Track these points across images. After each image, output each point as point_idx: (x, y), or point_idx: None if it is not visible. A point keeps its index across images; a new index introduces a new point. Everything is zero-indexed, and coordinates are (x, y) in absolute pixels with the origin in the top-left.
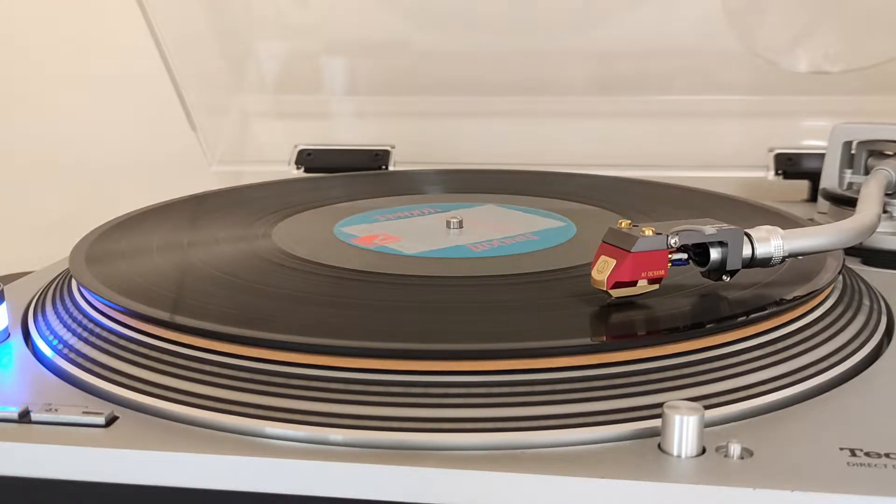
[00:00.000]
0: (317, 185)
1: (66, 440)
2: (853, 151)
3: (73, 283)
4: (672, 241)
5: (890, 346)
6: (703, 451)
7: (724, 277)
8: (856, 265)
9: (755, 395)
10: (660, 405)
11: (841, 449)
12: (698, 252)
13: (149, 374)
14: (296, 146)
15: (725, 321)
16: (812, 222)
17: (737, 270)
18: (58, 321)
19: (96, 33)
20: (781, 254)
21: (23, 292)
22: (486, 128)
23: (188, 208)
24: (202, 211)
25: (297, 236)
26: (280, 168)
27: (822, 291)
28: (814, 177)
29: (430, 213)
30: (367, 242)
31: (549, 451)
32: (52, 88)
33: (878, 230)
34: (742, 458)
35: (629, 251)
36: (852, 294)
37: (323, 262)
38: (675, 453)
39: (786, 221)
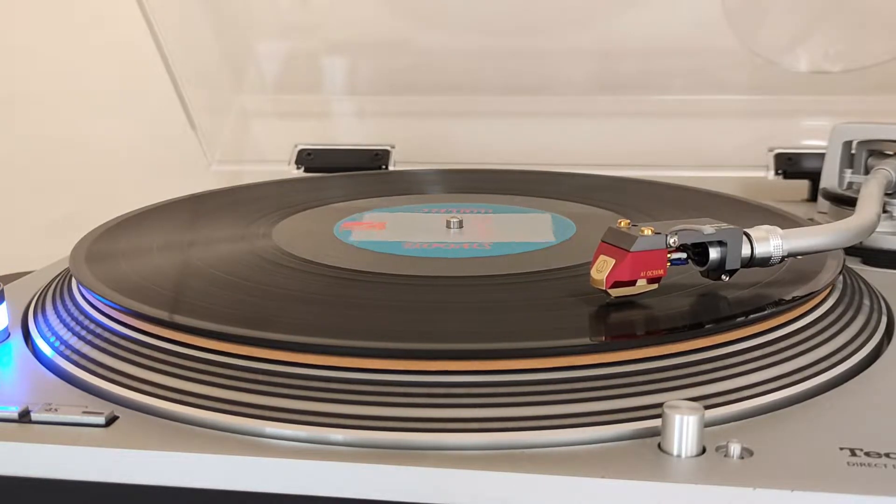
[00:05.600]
0: (317, 185)
1: (66, 440)
2: (853, 151)
3: (74, 282)
4: (671, 241)
5: (890, 346)
6: (703, 450)
7: (724, 277)
8: (856, 265)
9: (755, 395)
10: (660, 405)
11: (841, 449)
12: (697, 251)
13: (149, 374)
14: (296, 146)
15: (725, 321)
16: (812, 222)
17: (736, 270)
18: (58, 321)
19: (96, 33)
20: (781, 253)
21: (23, 292)
22: (487, 128)
23: (188, 208)
24: (202, 211)
25: (297, 236)
26: (280, 168)
27: (822, 291)
28: (814, 177)
29: (429, 212)
30: (345, 227)
31: (549, 451)
32: (52, 88)
33: (878, 230)
34: (742, 458)
35: (628, 250)
36: (852, 294)
37: (323, 262)
38: (675, 453)
39: (785, 221)
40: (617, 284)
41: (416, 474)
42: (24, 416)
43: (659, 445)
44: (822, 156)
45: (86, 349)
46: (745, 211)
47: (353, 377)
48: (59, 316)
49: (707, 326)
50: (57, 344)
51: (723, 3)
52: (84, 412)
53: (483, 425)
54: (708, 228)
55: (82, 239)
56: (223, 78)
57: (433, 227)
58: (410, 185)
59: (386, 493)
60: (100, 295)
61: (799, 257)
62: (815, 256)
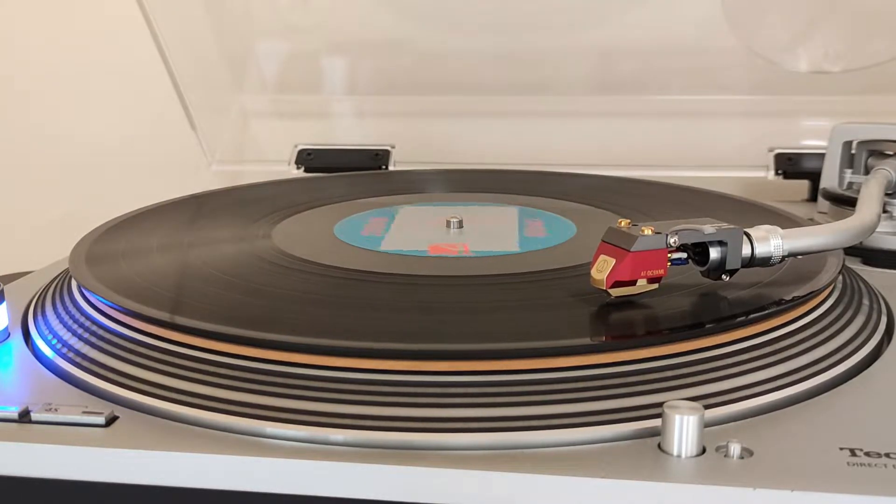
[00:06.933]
0: (317, 185)
1: (66, 440)
2: (853, 151)
3: (73, 283)
4: (671, 241)
5: (890, 346)
6: (703, 450)
7: (724, 277)
8: (856, 265)
9: (755, 395)
10: (660, 405)
11: (841, 449)
12: (698, 251)
13: (149, 374)
14: (296, 146)
15: (725, 321)
16: (812, 222)
17: (736, 270)
18: (58, 321)
19: (96, 33)
20: (781, 253)
21: (23, 292)
22: (487, 128)
23: (188, 208)
24: (202, 211)
25: (297, 236)
26: (280, 168)
27: (822, 291)
28: (814, 177)
29: (429, 212)
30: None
31: (549, 451)
32: (52, 88)
33: (878, 230)
34: (742, 458)
35: (628, 250)
36: (852, 294)
37: (323, 262)
38: (675, 453)
39: (786, 221)
40: (617, 284)
41: (416, 474)
42: (24, 416)
43: (659, 445)
44: (822, 156)
45: (85, 349)
46: (746, 211)
47: (353, 377)
48: (58, 316)
49: (707, 326)
50: (57, 344)
51: (723, 3)
52: (84, 412)
53: (483, 425)
54: (708, 228)
55: (82, 239)
56: (223, 78)
57: (433, 228)
58: (410, 185)
59: (386, 493)
60: (99, 295)
61: (799, 257)
62: (815, 256)
